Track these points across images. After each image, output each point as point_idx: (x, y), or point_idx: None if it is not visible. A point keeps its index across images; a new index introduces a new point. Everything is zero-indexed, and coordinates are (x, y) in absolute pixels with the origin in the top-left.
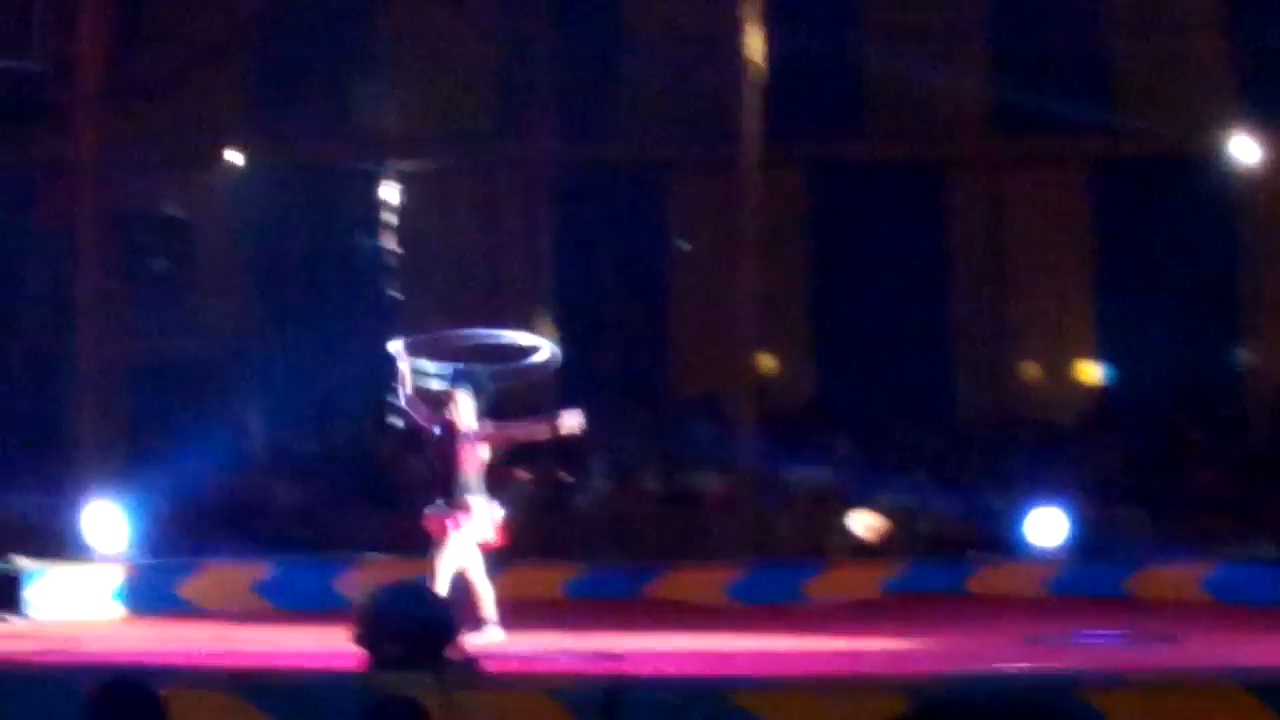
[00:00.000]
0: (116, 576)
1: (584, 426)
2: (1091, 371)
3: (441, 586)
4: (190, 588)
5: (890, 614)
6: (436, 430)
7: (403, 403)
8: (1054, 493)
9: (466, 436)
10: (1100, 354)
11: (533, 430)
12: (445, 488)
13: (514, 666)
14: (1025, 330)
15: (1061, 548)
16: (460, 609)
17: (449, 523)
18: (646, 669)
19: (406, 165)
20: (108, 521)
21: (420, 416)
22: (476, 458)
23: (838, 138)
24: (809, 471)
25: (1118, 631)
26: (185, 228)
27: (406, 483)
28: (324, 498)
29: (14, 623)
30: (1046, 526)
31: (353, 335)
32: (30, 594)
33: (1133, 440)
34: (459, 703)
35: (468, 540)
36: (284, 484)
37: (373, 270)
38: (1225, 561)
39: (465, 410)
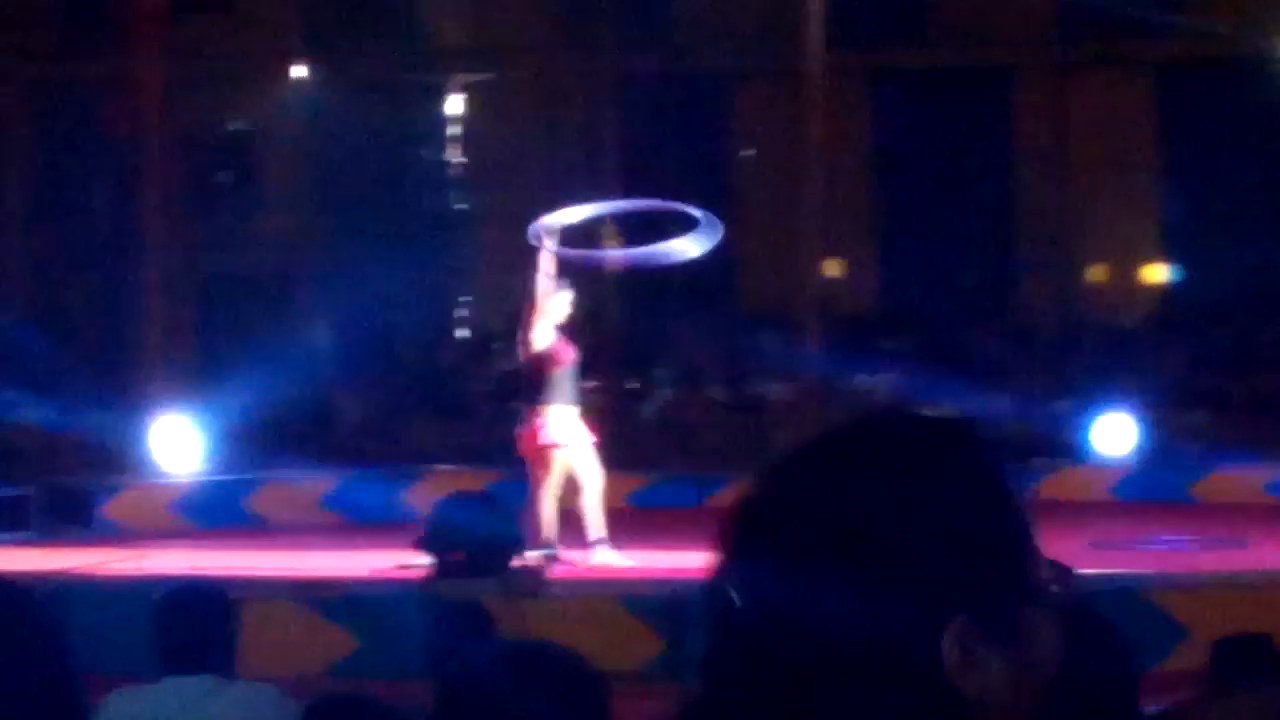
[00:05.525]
0: (184, 492)
1: None
2: (1157, 273)
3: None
4: (257, 502)
5: None
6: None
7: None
8: (1120, 397)
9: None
10: (1166, 256)
11: None
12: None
13: (578, 574)
14: (1091, 233)
15: (1129, 454)
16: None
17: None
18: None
19: (469, 78)
20: (176, 437)
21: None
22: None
23: (901, 43)
24: (874, 378)
25: (1186, 536)
26: (250, 142)
27: (471, 392)
28: (389, 410)
29: (85, 538)
30: (1114, 432)
31: (417, 247)
32: (100, 510)
33: (1200, 342)
34: (524, 610)
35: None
36: (349, 397)
37: (437, 182)
38: None
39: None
